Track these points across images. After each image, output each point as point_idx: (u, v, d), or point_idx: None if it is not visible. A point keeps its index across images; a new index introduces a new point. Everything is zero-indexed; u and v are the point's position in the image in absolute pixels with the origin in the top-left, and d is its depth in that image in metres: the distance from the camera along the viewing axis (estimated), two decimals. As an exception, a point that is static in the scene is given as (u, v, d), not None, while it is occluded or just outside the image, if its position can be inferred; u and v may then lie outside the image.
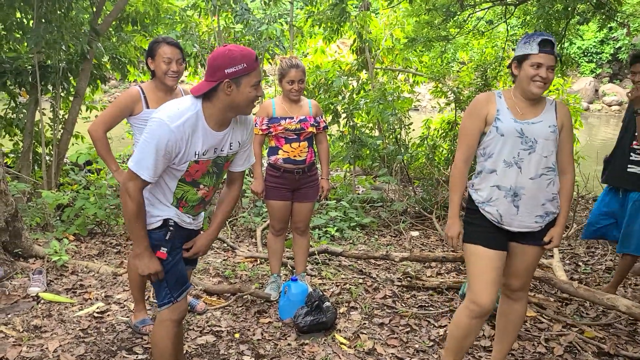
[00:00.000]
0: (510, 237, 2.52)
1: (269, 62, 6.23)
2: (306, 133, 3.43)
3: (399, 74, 9.78)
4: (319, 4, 7.40)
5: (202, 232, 2.41)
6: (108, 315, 3.35)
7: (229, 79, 1.99)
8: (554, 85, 8.65)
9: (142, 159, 2.02)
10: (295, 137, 3.41)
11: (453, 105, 8.84)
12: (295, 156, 3.42)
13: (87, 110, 7.05)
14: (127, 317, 3.31)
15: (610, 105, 23.42)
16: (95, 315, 3.33)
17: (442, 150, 8.41)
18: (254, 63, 2.02)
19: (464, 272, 4.22)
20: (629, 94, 3.46)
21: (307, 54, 9.71)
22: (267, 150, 3.61)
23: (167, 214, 2.21)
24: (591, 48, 25.12)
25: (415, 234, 4.98)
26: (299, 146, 3.42)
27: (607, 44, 24.84)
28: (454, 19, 7.29)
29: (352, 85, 7.51)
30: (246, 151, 2.35)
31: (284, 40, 5.89)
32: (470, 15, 7.82)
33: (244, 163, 2.38)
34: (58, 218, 5.06)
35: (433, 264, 4.35)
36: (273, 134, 3.41)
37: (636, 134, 3.51)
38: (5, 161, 6.41)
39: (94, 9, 6.44)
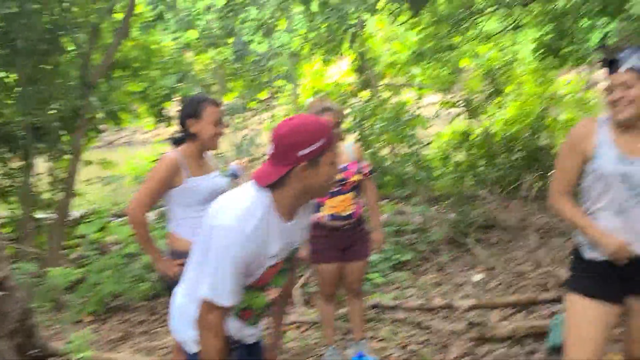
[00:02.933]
0: (628, 289, 2.08)
1: (275, 96, 5.83)
2: (351, 183, 2.99)
3: (401, 88, 9.41)
4: (316, 28, 7.02)
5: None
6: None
7: (306, 161, 1.56)
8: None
9: (219, 283, 1.58)
10: (338, 189, 2.96)
11: (465, 114, 8.51)
12: (342, 211, 2.98)
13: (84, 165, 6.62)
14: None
15: (605, 91, 23.29)
16: None
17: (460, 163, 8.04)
18: (331, 136, 1.60)
19: (535, 313, 3.76)
20: None
21: (305, 78, 9.33)
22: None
23: (227, 330, 1.74)
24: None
25: (477, 278, 4.52)
26: (345, 199, 2.98)
27: (594, 31, 24.72)
28: (461, 27, 6.94)
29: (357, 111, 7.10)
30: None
31: (294, 74, 5.50)
32: (474, 21, 7.47)
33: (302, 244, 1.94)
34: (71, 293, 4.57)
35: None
36: (314, 189, 2.96)
37: None
38: (4, 231, 5.95)
39: (82, 61, 6.02)
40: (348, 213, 2.99)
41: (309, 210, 1.84)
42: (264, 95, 6.39)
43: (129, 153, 10.00)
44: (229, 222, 1.55)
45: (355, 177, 3.00)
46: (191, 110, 2.57)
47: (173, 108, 7.80)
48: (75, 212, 6.33)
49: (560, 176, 2.16)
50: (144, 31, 6.06)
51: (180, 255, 2.61)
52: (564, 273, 4.22)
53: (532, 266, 4.69)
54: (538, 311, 3.77)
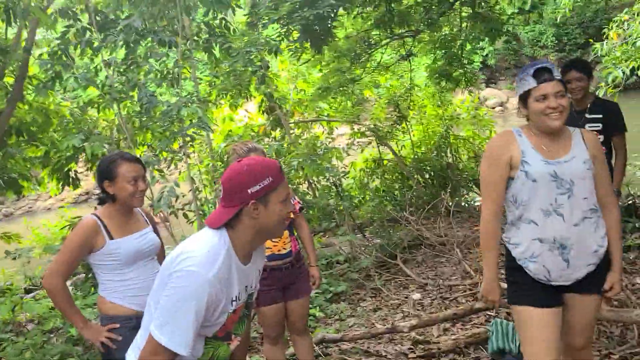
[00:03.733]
0: (564, 289, 2.23)
1: (191, 145, 5.73)
2: (284, 221, 3.00)
3: (311, 124, 9.62)
4: (221, 75, 7.06)
5: None
6: None
7: (254, 200, 1.58)
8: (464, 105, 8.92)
9: (177, 330, 1.51)
10: (273, 229, 2.96)
11: (374, 142, 8.85)
12: (279, 250, 2.97)
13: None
14: None
15: (493, 108, 25.07)
16: None
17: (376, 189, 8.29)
18: (279, 174, 1.63)
19: (472, 322, 3.92)
20: None
21: (214, 124, 9.28)
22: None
23: None
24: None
25: (416, 296, 4.63)
26: (280, 237, 2.98)
27: (475, 53, 26.70)
28: (360, 60, 7.28)
29: (275, 147, 7.18)
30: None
31: (208, 120, 5.44)
32: (369, 55, 7.85)
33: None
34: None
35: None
36: (248, 231, 2.94)
37: None
38: None
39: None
40: (285, 251, 2.99)
41: (262, 252, 1.83)
42: (176, 145, 6.27)
43: (33, 223, 9.31)
44: (191, 268, 1.52)
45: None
46: (104, 171, 2.48)
47: (79, 169, 7.44)
48: (-20, 294, 5.78)
49: (488, 195, 2.23)
50: (40, 93, 5.78)
51: (110, 320, 2.49)
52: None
53: (460, 278, 4.90)
54: (474, 320, 3.93)
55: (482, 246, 2.28)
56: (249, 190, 1.58)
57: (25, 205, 17.97)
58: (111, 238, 2.45)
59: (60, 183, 7.18)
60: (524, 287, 2.22)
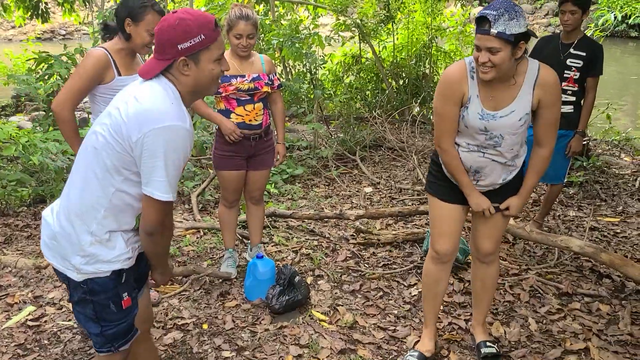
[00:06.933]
0: None
1: (172, 1, 5.49)
2: (260, 93, 3.04)
3: (297, 5, 9.29)
4: None
5: None
6: (45, 321, 2.86)
7: (184, 57, 1.59)
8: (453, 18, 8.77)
9: (173, 181, 1.59)
10: (248, 98, 3.01)
11: (357, 38, 8.68)
12: (250, 120, 3.04)
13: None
14: (70, 320, 2.85)
15: (480, 29, 24.63)
16: (30, 323, 2.82)
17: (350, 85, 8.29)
18: (213, 32, 1.61)
19: (413, 222, 4.20)
20: None
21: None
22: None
23: (119, 255, 1.68)
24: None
25: (368, 190, 4.84)
26: (254, 108, 3.04)
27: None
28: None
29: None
30: None
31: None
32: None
33: None
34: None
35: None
36: (223, 95, 2.98)
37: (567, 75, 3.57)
38: None
39: None
40: (256, 123, 3.06)
41: None
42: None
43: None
44: (171, 123, 1.54)
45: (266, 88, 3.05)
46: (132, 11, 2.47)
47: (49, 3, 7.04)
48: None
49: (443, 128, 2.28)
50: None
51: None
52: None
53: (411, 183, 5.15)
54: (416, 221, 4.22)
55: (452, 173, 2.36)
56: (179, 46, 1.57)
57: (-18, 30, 16.92)
58: (119, 74, 2.52)
59: (28, 14, 6.83)
60: (439, 182, 2.46)
